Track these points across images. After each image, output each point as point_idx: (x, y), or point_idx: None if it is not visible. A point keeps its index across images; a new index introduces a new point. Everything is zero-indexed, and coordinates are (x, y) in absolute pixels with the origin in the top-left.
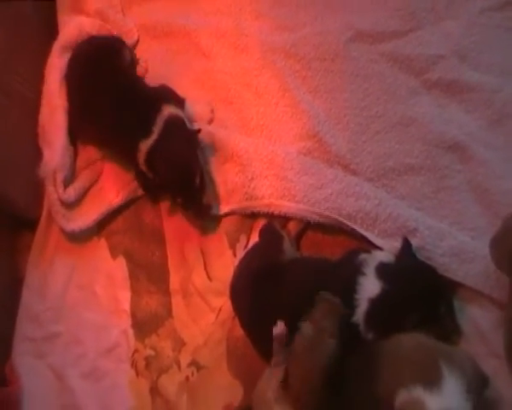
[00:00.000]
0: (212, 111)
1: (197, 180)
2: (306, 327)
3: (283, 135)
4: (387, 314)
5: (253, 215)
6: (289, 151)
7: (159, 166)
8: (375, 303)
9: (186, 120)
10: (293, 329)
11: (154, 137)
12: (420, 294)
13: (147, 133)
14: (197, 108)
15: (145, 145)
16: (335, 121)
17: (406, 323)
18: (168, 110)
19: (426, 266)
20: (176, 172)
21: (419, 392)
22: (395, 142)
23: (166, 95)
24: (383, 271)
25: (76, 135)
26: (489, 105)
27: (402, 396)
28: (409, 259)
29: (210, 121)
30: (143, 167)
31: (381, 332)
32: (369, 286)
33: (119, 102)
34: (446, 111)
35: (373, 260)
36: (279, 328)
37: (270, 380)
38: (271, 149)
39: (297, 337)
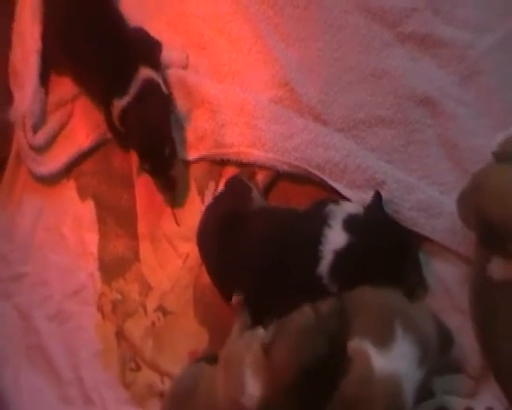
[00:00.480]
0: (187, 58)
1: (166, 151)
2: (307, 313)
3: (255, 82)
4: (352, 267)
5: (223, 162)
6: (260, 99)
7: (130, 129)
8: (340, 255)
9: (162, 85)
10: (259, 279)
11: (128, 97)
12: (386, 248)
13: (122, 91)
14: (172, 54)
15: (119, 103)
16: (307, 71)
17: (371, 276)
18: (145, 73)
19: (393, 221)
20: (146, 139)
21: (367, 346)
22: (367, 94)
23: (145, 49)
24: (350, 223)
25: (50, 66)
26: (461, 60)
27: (352, 343)
28: (377, 212)
29: (185, 68)
30: (116, 122)
31: (346, 285)
32: (335, 238)
33: (100, 44)
34: (419, 65)
35: (341, 211)
36: (234, 300)
37: (250, 345)
38: (242, 96)
39: (294, 316)
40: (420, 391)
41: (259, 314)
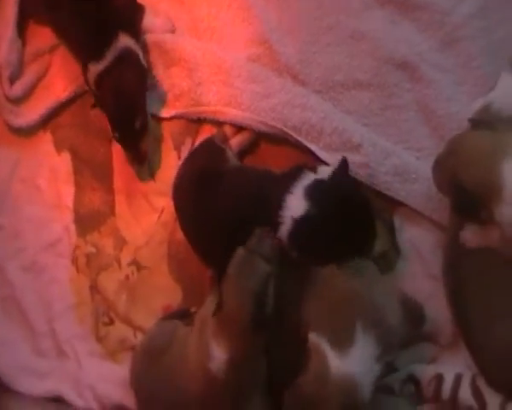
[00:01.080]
0: (173, 27)
1: (137, 124)
2: (240, 251)
3: (234, 39)
4: (311, 235)
5: (200, 120)
6: (238, 57)
7: (104, 95)
8: (298, 224)
9: (141, 56)
10: (232, 238)
11: (105, 63)
12: (348, 216)
13: (99, 56)
14: (156, 20)
15: (95, 68)
16: (287, 29)
17: (334, 245)
18: (124, 41)
19: (358, 189)
20: (117, 109)
21: (325, 345)
22: (345, 55)
23: (127, 15)
24: (312, 190)
25: (28, 16)
26: (441, 26)
27: (312, 337)
28: (342, 179)
29: (173, 32)
30: (92, 86)
31: (306, 253)
32: (294, 205)
33: (81, 2)
34: (398, 28)
35: (307, 178)
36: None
37: (211, 307)
38: (220, 54)
39: (231, 262)
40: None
41: None
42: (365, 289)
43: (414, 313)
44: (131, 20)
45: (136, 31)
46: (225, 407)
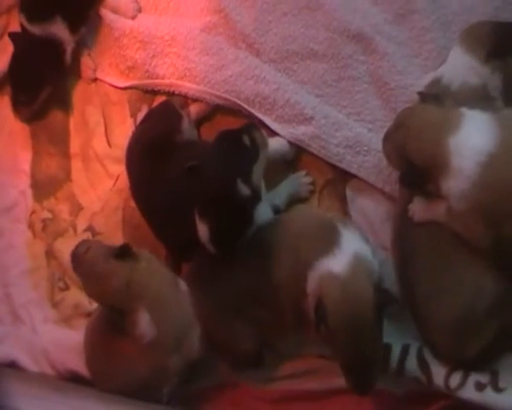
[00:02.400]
0: (139, 8)
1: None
2: None
3: (190, 8)
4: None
5: (155, 92)
6: (192, 28)
7: None
8: None
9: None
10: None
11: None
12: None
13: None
14: (121, 2)
15: None
16: None
17: None
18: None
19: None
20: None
21: (323, 262)
22: (301, 25)
23: None
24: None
25: None
26: None
27: (314, 275)
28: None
29: (134, 17)
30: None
31: None
32: None
33: None
34: (353, 0)
35: None
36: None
37: None
38: (174, 25)
39: None
40: None
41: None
42: None
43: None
44: None
45: None
46: None
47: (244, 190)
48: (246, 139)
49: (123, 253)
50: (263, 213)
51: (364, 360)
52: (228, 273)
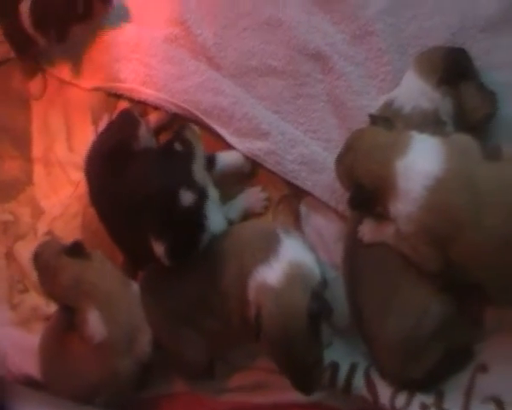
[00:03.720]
0: None
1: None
2: None
3: (153, 18)
4: None
5: (118, 96)
6: (155, 37)
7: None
8: None
9: None
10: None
11: None
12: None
13: None
14: None
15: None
16: (205, 11)
17: None
18: None
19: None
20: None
21: (261, 271)
22: (261, 41)
23: None
24: None
25: None
26: (354, 20)
27: (252, 284)
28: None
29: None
30: (31, 30)
31: None
32: None
33: None
34: (313, 19)
35: None
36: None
37: None
38: (138, 33)
39: None
40: None
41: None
42: None
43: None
44: None
45: None
46: None
47: (188, 197)
48: (177, 146)
49: (74, 250)
50: (216, 221)
51: (300, 368)
52: (179, 282)
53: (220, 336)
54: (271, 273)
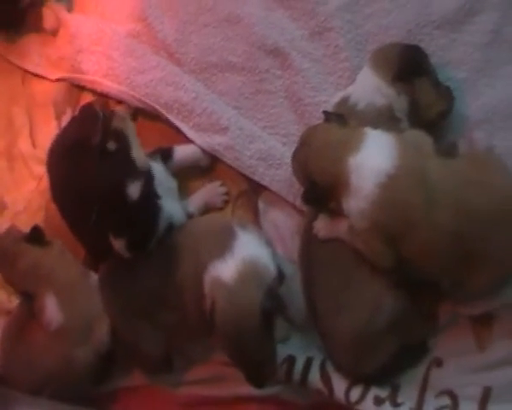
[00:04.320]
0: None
1: None
2: None
3: (116, 13)
4: None
5: (81, 88)
6: (118, 31)
7: None
8: None
9: None
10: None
11: None
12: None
13: None
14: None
15: None
16: (166, 8)
17: None
18: None
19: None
20: None
21: (214, 267)
22: (221, 38)
23: None
24: None
25: None
26: (313, 16)
27: (207, 278)
28: None
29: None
30: None
31: None
32: None
33: None
34: (272, 15)
35: None
36: None
37: None
38: (100, 26)
39: None
40: None
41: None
42: None
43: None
44: None
45: None
46: None
47: (136, 189)
48: (110, 145)
49: (34, 236)
50: (175, 211)
51: (252, 363)
52: (136, 274)
53: (177, 329)
54: (225, 269)
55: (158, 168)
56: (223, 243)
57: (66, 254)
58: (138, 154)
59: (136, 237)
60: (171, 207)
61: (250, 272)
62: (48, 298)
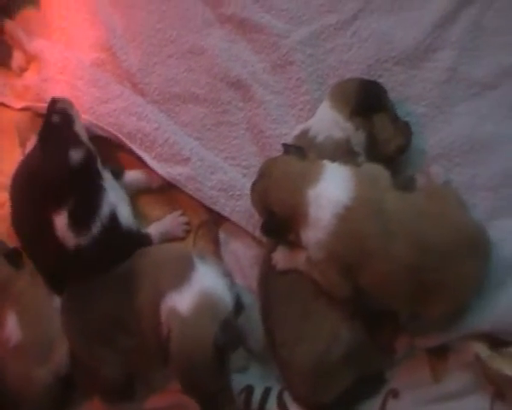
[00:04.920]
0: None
1: None
2: None
3: (81, 42)
4: None
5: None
6: (83, 60)
7: None
8: None
9: None
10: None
11: None
12: None
13: None
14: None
15: None
16: (130, 38)
17: None
18: None
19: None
20: None
21: (171, 297)
22: (184, 69)
23: None
24: None
25: None
26: (275, 49)
27: (164, 307)
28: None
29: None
30: None
31: None
32: None
33: None
34: (235, 47)
35: None
36: None
37: None
38: (66, 55)
39: None
40: None
41: None
42: None
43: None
44: None
45: None
46: None
47: (78, 155)
48: (54, 118)
49: (13, 256)
50: (124, 211)
51: (204, 395)
52: (97, 299)
53: (136, 355)
54: (182, 301)
55: (107, 175)
56: (181, 274)
57: (36, 276)
58: (81, 131)
59: (78, 209)
60: (119, 202)
61: (206, 305)
62: (9, 315)
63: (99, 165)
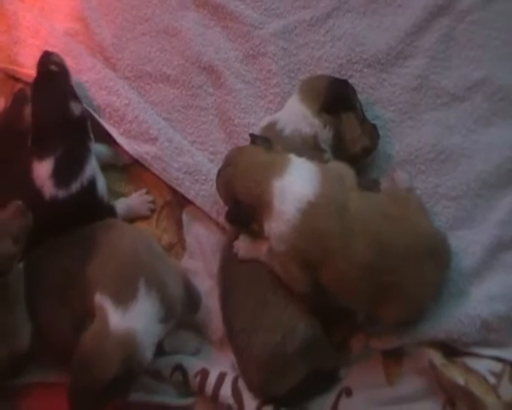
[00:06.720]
0: None
1: None
2: None
3: (55, 11)
4: None
5: (16, 79)
6: (56, 28)
7: None
8: None
9: None
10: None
11: None
12: None
13: None
14: None
15: None
16: (105, 11)
17: None
18: None
19: None
20: None
21: (107, 301)
22: (157, 48)
23: None
24: None
25: None
26: (248, 39)
27: (96, 297)
28: None
29: None
30: None
31: None
32: None
33: None
34: (209, 32)
35: None
36: None
37: None
38: (39, 20)
39: None
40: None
41: None
42: (148, 255)
43: (192, 296)
44: None
45: None
46: None
47: (77, 107)
48: (53, 68)
49: None
50: (98, 176)
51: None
52: (57, 257)
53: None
54: (110, 318)
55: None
56: (123, 292)
57: None
58: (77, 85)
59: (63, 161)
60: (97, 171)
61: (125, 344)
62: None
63: (89, 128)
